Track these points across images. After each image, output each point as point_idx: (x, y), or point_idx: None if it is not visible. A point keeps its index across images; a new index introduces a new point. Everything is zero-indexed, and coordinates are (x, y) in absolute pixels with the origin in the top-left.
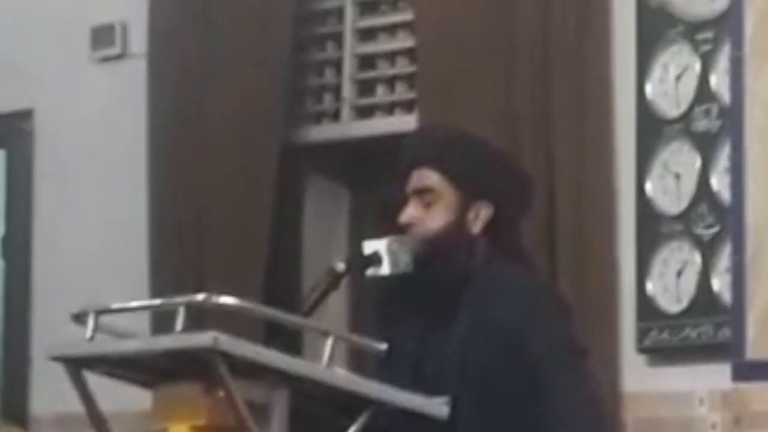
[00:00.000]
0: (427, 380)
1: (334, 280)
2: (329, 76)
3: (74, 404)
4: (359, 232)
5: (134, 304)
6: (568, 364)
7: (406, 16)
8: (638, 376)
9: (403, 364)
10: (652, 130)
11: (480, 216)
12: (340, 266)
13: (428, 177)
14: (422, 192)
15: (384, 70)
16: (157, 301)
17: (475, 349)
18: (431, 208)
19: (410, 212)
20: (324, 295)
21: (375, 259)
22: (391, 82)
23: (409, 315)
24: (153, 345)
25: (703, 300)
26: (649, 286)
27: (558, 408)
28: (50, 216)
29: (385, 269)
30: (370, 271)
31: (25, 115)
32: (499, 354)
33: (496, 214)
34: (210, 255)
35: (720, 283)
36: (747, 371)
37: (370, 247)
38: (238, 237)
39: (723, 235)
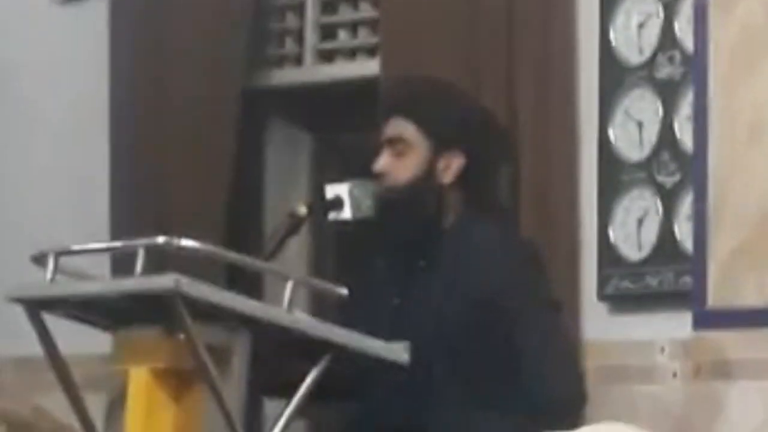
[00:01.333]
0: (402, 334)
1: (295, 223)
2: (291, 20)
3: (34, 347)
4: (320, 177)
5: (94, 245)
6: (545, 317)
7: None
8: (600, 324)
9: (379, 315)
10: (615, 77)
11: (451, 166)
12: (302, 210)
13: (401, 126)
14: (394, 141)
15: (347, 14)
16: (118, 243)
17: (451, 303)
18: (402, 158)
19: (381, 162)
20: (284, 239)
21: (337, 203)
22: (353, 26)
23: (381, 263)
24: (114, 287)
25: (665, 248)
26: (611, 234)
27: (537, 362)
28: (10, 161)
29: (346, 213)
30: (331, 215)
31: None
32: (475, 309)
33: (469, 165)
34: (171, 199)
35: (682, 231)
36: (708, 320)
37: (332, 190)
38: (199, 181)
39: (685, 182)
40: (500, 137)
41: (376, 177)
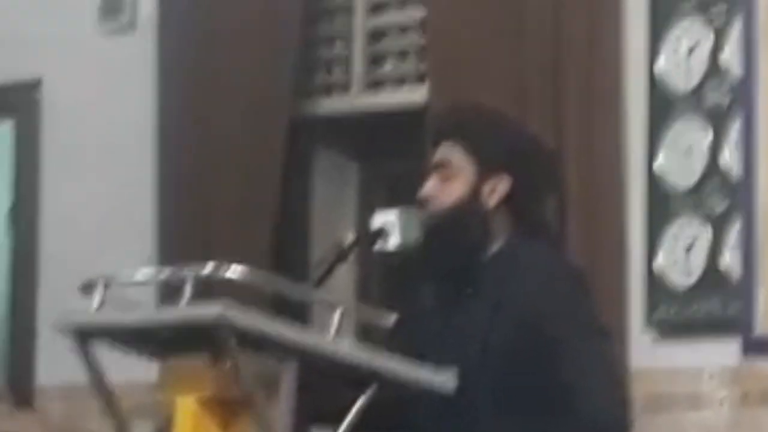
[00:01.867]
0: (446, 360)
1: (342, 253)
2: (339, 48)
3: (80, 376)
4: (367, 206)
5: (143, 274)
6: (593, 344)
7: None
8: (647, 352)
9: (424, 341)
10: (663, 104)
11: (497, 189)
12: (348, 239)
13: (449, 151)
14: (441, 166)
15: (394, 42)
16: (166, 272)
17: (497, 330)
18: (448, 183)
19: (428, 187)
20: (332, 267)
21: (383, 233)
22: (401, 55)
23: (427, 290)
24: (161, 316)
25: (713, 275)
26: (659, 262)
27: (583, 389)
28: (58, 187)
29: (393, 243)
30: (378, 245)
31: (33, 85)
32: (521, 335)
33: (515, 189)
34: (218, 227)
35: (729, 259)
36: (756, 347)
37: (379, 219)
38: (246, 209)
39: (733, 210)
40: (547, 162)
41: (422, 203)
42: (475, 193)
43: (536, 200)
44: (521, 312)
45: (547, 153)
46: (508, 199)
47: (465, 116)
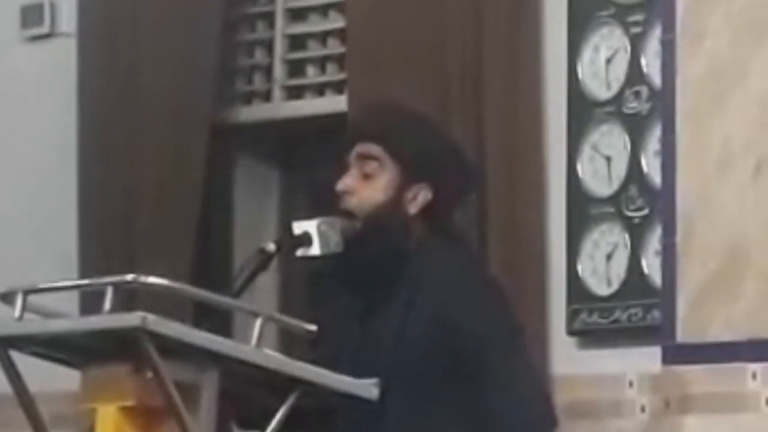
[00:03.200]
0: (365, 363)
1: (263, 260)
2: (260, 56)
3: (2, 384)
4: (289, 213)
5: (63, 283)
6: (507, 342)
7: None
8: (568, 359)
9: (344, 346)
10: (583, 111)
11: (418, 198)
12: (270, 247)
13: (372, 148)
14: (364, 159)
15: (315, 50)
16: (86, 281)
17: (409, 332)
18: (370, 180)
19: (347, 180)
20: (253, 275)
21: (305, 240)
22: (322, 62)
23: (346, 296)
24: (81, 325)
25: (634, 282)
26: (579, 269)
27: (503, 385)
28: None
29: (315, 249)
30: (300, 252)
31: None
32: (433, 337)
33: (435, 198)
34: (139, 236)
35: (650, 266)
36: (677, 354)
37: (300, 227)
38: (167, 217)
39: (653, 217)
40: (469, 172)
41: (340, 196)
42: (397, 199)
43: (454, 210)
44: (433, 309)
45: (468, 163)
46: (426, 208)
47: (388, 118)
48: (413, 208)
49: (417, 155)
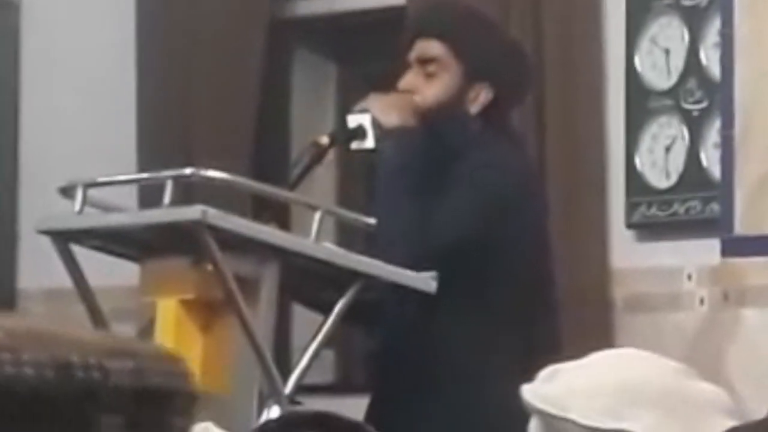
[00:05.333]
0: (424, 255)
1: (317, 153)
2: None
3: (62, 279)
4: (346, 106)
5: (122, 177)
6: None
7: None
8: (627, 252)
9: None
10: (642, 4)
11: (480, 98)
12: (324, 140)
13: (434, 47)
14: (426, 62)
15: None
16: (145, 175)
17: (458, 223)
18: (433, 79)
19: (410, 79)
20: (308, 169)
21: (359, 133)
22: None
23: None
24: (141, 218)
25: (692, 175)
26: (638, 162)
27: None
28: (38, 92)
29: (369, 143)
30: (354, 145)
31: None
32: (482, 227)
33: (495, 98)
34: (198, 131)
35: (709, 159)
36: (735, 246)
37: (354, 120)
38: (225, 112)
39: (712, 110)
40: (529, 71)
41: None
42: (459, 98)
43: (513, 109)
44: (477, 207)
45: (528, 62)
46: (486, 107)
47: (450, 15)
48: (475, 108)
49: (480, 54)
